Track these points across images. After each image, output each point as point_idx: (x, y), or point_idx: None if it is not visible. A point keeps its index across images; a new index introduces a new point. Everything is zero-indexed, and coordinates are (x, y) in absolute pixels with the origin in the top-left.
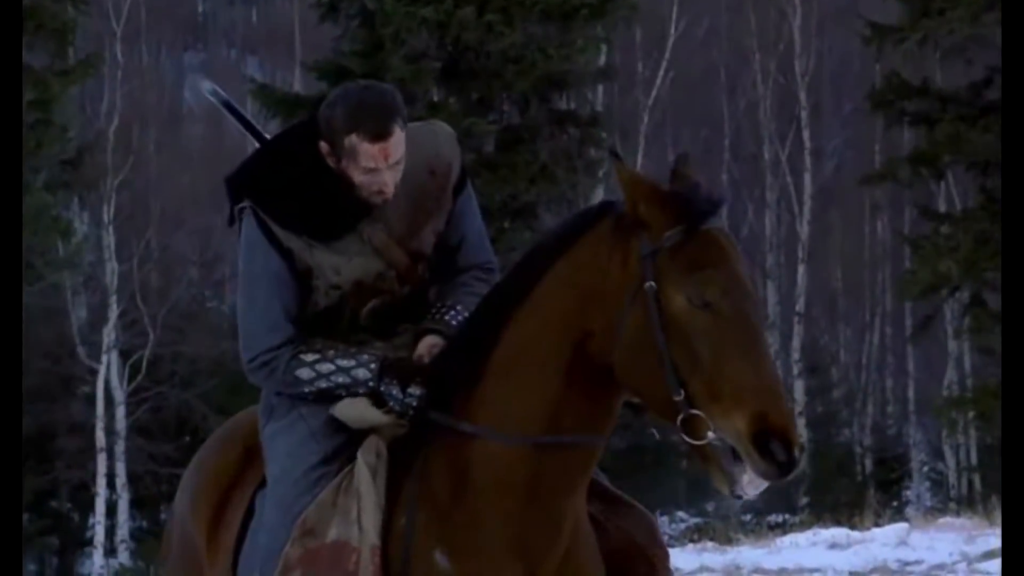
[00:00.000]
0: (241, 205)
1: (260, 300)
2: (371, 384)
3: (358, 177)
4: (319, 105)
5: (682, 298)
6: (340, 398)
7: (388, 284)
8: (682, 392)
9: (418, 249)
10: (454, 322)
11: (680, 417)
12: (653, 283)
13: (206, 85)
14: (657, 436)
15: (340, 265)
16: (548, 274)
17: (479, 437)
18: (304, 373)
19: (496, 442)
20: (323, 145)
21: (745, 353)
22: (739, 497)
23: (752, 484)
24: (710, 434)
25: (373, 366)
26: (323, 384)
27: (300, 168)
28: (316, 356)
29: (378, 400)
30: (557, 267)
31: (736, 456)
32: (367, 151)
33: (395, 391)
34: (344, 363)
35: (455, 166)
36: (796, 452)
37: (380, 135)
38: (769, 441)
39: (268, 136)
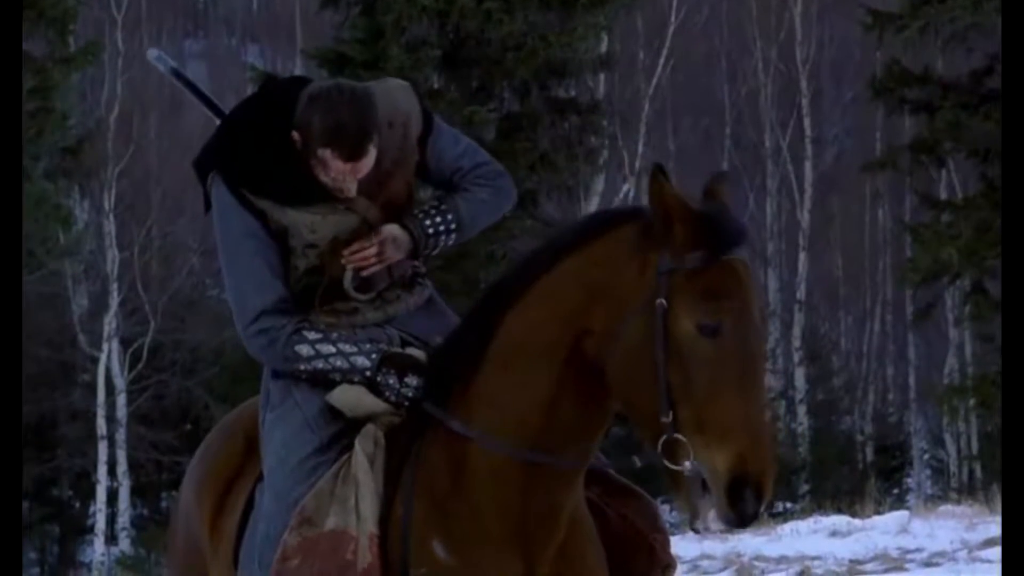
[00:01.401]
0: (211, 177)
1: (243, 261)
2: (368, 374)
3: (323, 178)
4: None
5: (690, 323)
6: (334, 382)
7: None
8: (671, 414)
9: (389, 201)
10: (431, 229)
11: (663, 439)
12: (664, 301)
13: (152, 52)
14: (638, 463)
15: (315, 223)
16: (560, 265)
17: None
18: (304, 350)
19: (488, 455)
20: (295, 135)
21: (741, 390)
22: (696, 531)
23: (715, 520)
24: (687, 463)
25: (374, 356)
26: (320, 364)
27: (265, 139)
28: (319, 336)
29: (374, 389)
30: (571, 260)
31: (705, 488)
32: (337, 167)
33: (392, 380)
34: (345, 348)
35: (414, 115)
36: (763, 505)
37: (353, 157)
38: (743, 488)
39: (221, 106)
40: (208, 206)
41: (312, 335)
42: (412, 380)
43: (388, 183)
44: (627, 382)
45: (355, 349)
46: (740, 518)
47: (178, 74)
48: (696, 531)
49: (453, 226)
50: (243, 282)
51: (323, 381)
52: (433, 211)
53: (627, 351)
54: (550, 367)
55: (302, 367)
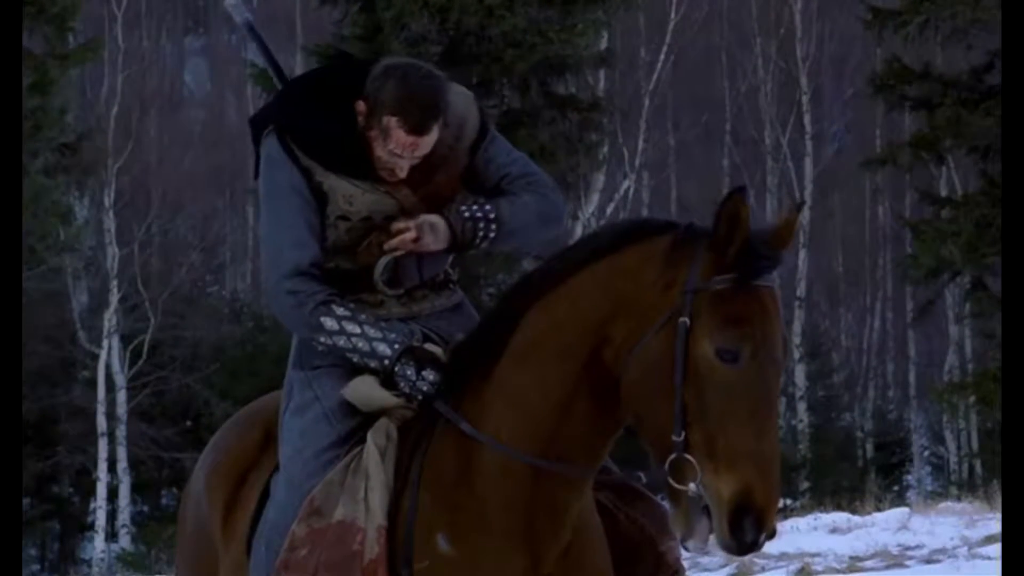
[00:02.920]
0: (266, 131)
1: (284, 215)
2: (387, 363)
3: (379, 151)
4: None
5: (711, 347)
6: (350, 362)
7: None
8: (683, 434)
9: (431, 195)
10: (466, 212)
11: (672, 457)
12: (687, 320)
13: (230, 1)
14: (643, 479)
15: (354, 195)
16: (588, 268)
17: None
18: (329, 323)
19: (497, 452)
20: (360, 104)
21: (753, 420)
22: (687, 549)
23: (703, 540)
24: (692, 485)
25: (396, 346)
26: (341, 342)
27: (326, 103)
28: (347, 313)
29: (389, 380)
30: (600, 265)
31: (705, 510)
32: (400, 138)
33: (410, 372)
34: (371, 332)
35: (470, 121)
36: (764, 537)
37: (418, 130)
38: (744, 518)
39: (284, 71)
40: (257, 172)
41: (341, 311)
42: (429, 375)
43: (433, 177)
44: (642, 397)
45: (379, 335)
46: (739, 546)
47: (252, 30)
48: (687, 549)
49: (492, 215)
50: (282, 236)
51: (343, 370)
52: (470, 200)
53: (646, 366)
54: (567, 369)
55: (323, 339)
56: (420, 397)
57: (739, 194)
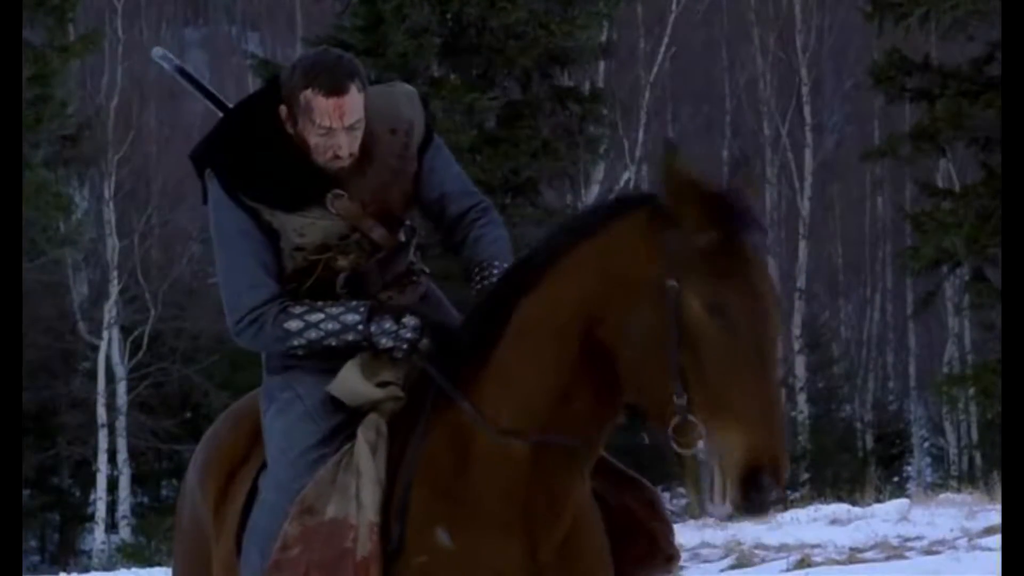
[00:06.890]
0: (206, 173)
1: (238, 259)
2: (360, 327)
3: (313, 139)
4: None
5: (700, 304)
6: (332, 352)
7: (353, 248)
8: (685, 396)
9: (385, 211)
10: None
11: (675, 421)
12: (675, 282)
13: (156, 51)
14: (646, 440)
15: (304, 227)
16: (575, 250)
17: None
18: (293, 324)
19: (494, 437)
20: (282, 109)
21: (753, 373)
22: (710, 515)
23: (720, 500)
24: (699, 444)
25: (362, 309)
26: (312, 334)
27: (260, 137)
28: (305, 308)
29: (372, 346)
30: (586, 245)
31: (715, 473)
32: (321, 107)
33: (388, 324)
34: (333, 310)
35: (417, 124)
36: (777, 492)
37: (334, 90)
38: (758, 475)
39: (227, 102)
40: (206, 197)
41: (298, 309)
42: (410, 320)
43: (386, 190)
44: (639, 368)
45: (342, 308)
46: (750, 504)
47: (183, 72)
48: (709, 515)
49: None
50: (238, 280)
51: (320, 354)
52: (493, 267)
53: (639, 336)
54: (564, 349)
55: (295, 342)
56: (406, 347)
57: (668, 150)
